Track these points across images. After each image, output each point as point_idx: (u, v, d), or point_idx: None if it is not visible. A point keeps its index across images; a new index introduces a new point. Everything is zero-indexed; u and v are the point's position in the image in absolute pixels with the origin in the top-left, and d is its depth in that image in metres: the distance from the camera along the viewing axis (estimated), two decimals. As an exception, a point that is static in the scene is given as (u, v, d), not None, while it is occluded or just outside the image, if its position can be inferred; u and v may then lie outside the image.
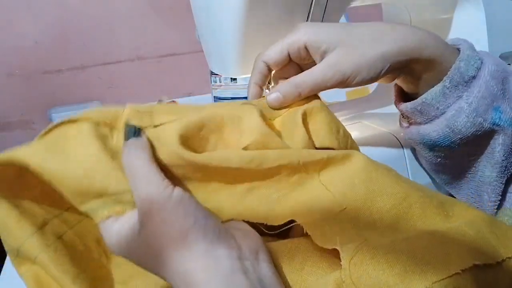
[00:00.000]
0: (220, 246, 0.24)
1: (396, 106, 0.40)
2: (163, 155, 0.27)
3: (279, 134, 0.31)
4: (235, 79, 0.83)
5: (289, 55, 0.35)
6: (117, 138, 0.28)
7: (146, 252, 0.25)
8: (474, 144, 0.36)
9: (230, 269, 0.23)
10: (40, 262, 0.27)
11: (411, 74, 0.36)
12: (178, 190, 0.25)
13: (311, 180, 0.29)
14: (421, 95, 0.36)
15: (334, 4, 0.43)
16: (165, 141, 0.28)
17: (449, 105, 0.35)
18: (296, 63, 0.37)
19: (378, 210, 0.27)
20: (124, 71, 0.94)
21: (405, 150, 0.48)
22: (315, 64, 0.34)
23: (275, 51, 0.35)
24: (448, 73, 0.34)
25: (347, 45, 0.33)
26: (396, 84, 0.41)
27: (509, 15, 0.55)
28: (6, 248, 0.28)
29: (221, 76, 0.83)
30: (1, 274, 0.42)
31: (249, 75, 0.38)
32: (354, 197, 0.27)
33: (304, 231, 0.27)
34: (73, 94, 0.93)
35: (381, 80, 0.36)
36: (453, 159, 0.38)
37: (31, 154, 0.26)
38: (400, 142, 0.49)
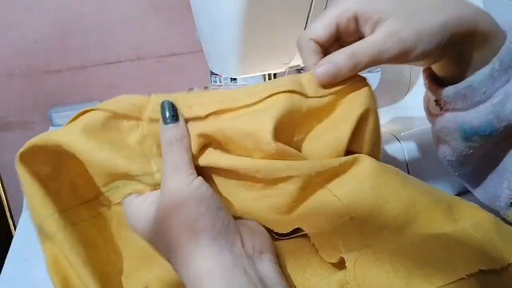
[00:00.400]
0: (224, 238, 0.25)
1: (432, 92, 0.37)
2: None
3: (320, 115, 0.30)
4: (235, 79, 0.83)
5: (338, 29, 0.31)
6: (143, 128, 0.30)
7: (157, 231, 0.27)
8: (509, 139, 0.33)
9: (231, 262, 0.24)
10: (57, 241, 0.29)
11: (459, 54, 0.33)
12: (198, 180, 0.27)
13: (321, 190, 0.29)
14: (460, 80, 0.33)
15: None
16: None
17: (496, 89, 0.32)
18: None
19: (385, 216, 0.27)
20: (124, 71, 0.94)
21: (405, 150, 0.47)
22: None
23: (323, 25, 0.31)
24: (498, 54, 0.31)
25: (403, 14, 0.30)
26: (427, 70, 0.38)
27: (509, 15, 0.55)
28: (33, 223, 0.30)
29: (221, 76, 0.83)
30: (1, 274, 0.42)
31: (250, 75, 0.37)
32: (362, 203, 0.27)
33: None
34: (73, 94, 0.93)
35: (426, 61, 0.33)
36: (484, 149, 0.35)
37: (66, 135, 0.29)
38: (400, 142, 0.49)
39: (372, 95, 0.31)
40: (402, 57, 0.30)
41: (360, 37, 0.32)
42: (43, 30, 0.88)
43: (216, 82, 0.85)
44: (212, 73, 0.84)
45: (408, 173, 0.47)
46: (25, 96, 0.91)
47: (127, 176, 0.29)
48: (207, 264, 0.24)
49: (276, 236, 0.29)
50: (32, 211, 0.30)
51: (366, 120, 0.31)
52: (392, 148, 0.48)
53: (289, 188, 0.28)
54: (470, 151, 0.35)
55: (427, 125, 0.39)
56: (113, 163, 0.28)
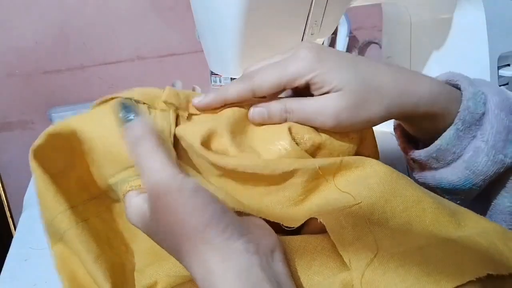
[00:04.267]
0: (238, 240, 0.24)
1: (404, 153, 0.38)
2: (185, 148, 0.30)
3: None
4: (235, 79, 0.83)
5: (284, 87, 0.32)
6: (155, 116, 0.30)
7: (161, 237, 0.26)
8: (495, 180, 0.34)
9: (247, 263, 0.23)
10: (68, 238, 0.29)
11: (410, 123, 0.35)
12: (191, 181, 0.25)
13: (326, 183, 0.30)
14: (426, 135, 0.35)
15: (334, 4, 0.43)
16: (189, 136, 0.30)
17: (465, 146, 0.33)
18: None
19: (392, 209, 0.27)
20: (124, 71, 0.94)
21: (405, 150, 0.47)
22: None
23: (270, 84, 0.32)
24: (459, 114, 0.32)
25: (352, 92, 0.31)
26: (398, 129, 0.39)
27: (509, 15, 0.55)
28: (42, 220, 0.30)
29: (221, 76, 0.83)
30: (1, 274, 0.42)
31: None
32: (369, 194, 0.28)
33: (318, 221, 0.27)
34: (73, 94, 0.93)
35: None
36: (470, 198, 0.36)
37: (78, 121, 0.30)
38: (400, 142, 0.49)
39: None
40: (335, 128, 0.32)
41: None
42: (43, 30, 0.88)
43: (216, 82, 0.84)
44: (212, 73, 0.84)
45: (408, 174, 0.47)
46: (25, 96, 0.90)
47: (129, 167, 0.29)
48: (222, 268, 0.23)
49: (284, 227, 0.29)
50: (43, 208, 0.29)
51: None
52: (392, 148, 0.48)
53: (296, 182, 0.29)
54: (457, 202, 0.35)
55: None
56: (123, 150, 0.28)
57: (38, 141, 0.29)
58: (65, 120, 0.30)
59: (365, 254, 0.25)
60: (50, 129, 0.29)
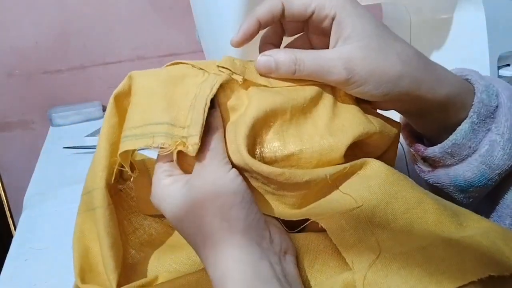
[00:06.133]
0: (255, 232, 0.26)
1: (417, 153, 0.36)
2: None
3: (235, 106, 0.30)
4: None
5: (311, 16, 0.30)
6: (208, 75, 0.30)
7: (186, 215, 0.27)
8: (506, 175, 0.33)
9: (258, 255, 0.25)
10: (97, 215, 0.29)
11: (420, 114, 0.33)
12: (234, 170, 0.27)
13: (331, 188, 0.30)
14: (438, 137, 0.33)
15: (334, 4, 0.43)
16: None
17: (480, 140, 0.32)
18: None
19: (393, 211, 0.27)
20: (124, 71, 0.93)
21: (405, 150, 0.47)
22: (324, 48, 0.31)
23: (301, 1, 0.30)
24: (473, 107, 0.32)
25: (372, 47, 0.29)
26: (405, 130, 0.37)
27: (509, 15, 0.55)
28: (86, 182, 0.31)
29: (221, 76, 0.83)
30: (1, 274, 0.42)
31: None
32: (370, 197, 0.28)
33: (320, 226, 0.27)
34: (73, 94, 0.93)
35: (381, 103, 0.33)
36: (482, 195, 0.35)
37: (139, 74, 0.31)
38: (400, 143, 0.49)
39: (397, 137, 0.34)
40: (346, 86, 0.30)
41: (325, 34, 0.31)
42: (43, 30, 0.88)
43: (216, 82, 0.84)
44: (212, 73, 0.84)
45: (409, 175, 0.47)
46: (25, 96, 0.91)
47: (165, 123, 0.28)
48: (236, 253, 0.24)
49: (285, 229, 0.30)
50: (90, 175, 0.30)
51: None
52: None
53: (307, 192, 0.29)
54: (470, 200, 0.35)
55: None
56: (154, 105, 0.28)
57: (116, 92, 0.30)
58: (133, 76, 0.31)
59: (367, 256, 0.25)
60: (119, 88, 0.30)
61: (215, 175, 0.26)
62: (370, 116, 0.31)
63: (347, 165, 0.29)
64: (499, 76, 0.57)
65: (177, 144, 0.27)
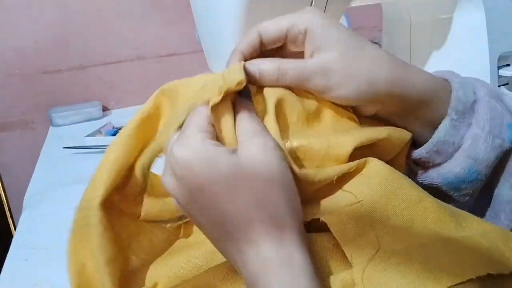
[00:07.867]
0: (297, 226, 0.26)
1: (406, 156, 0.38)
2: None
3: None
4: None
5: (286, 36, 0.32)
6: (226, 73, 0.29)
7: (239, 191, 0.25)
8: (498, 170, 0.34)
9: (300, 252, 0.25)
10: (91, 231, 0.29)
11: (405, 114, 0.34)
12: (285, 155, 0.27)
13: (335, 187, 0.30)
14: (420, 126, 0.35)
15: (334, 4, 0.43)
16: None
17: (463, 135, 0.33)
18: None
19: (393, 207, 0.28)
20: (124, 71, 0.94)
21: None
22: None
23: (275, 26, 0.32)
24: (451, 104, 0.33)
25: (345, 54, 0.31)
26: None
27: (509, 15, 0.55)
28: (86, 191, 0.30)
29: (221, 76, 0.83)
30: (1, 274, 0.42)
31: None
32: (371, 192, 0.28)
33: (320, 221, 0.27)
34: (73, 94, 0.93)
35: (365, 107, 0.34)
36: (477, 192, 0.36)
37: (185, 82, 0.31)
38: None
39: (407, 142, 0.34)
40: (325, 92, 0.31)
41: (301, 53, 0.32)
42: (43, 30, 0.88)
43: (216, 82, 0.85)
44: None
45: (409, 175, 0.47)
46: (25, 96, 0.91)
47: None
48: (299, 238, 0.25)
49: None
50: (92, 184, 0.30)
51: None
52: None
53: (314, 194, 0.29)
54: (467, 198, 0.36)
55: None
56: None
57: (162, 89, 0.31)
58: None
59: (366, 250, 0.25)
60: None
61: (269, 155, 0.26)
62: (376, 125, 0.33)
63: (354, 163, 0.29)
64: (499, 76, 0.57)
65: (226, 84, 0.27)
